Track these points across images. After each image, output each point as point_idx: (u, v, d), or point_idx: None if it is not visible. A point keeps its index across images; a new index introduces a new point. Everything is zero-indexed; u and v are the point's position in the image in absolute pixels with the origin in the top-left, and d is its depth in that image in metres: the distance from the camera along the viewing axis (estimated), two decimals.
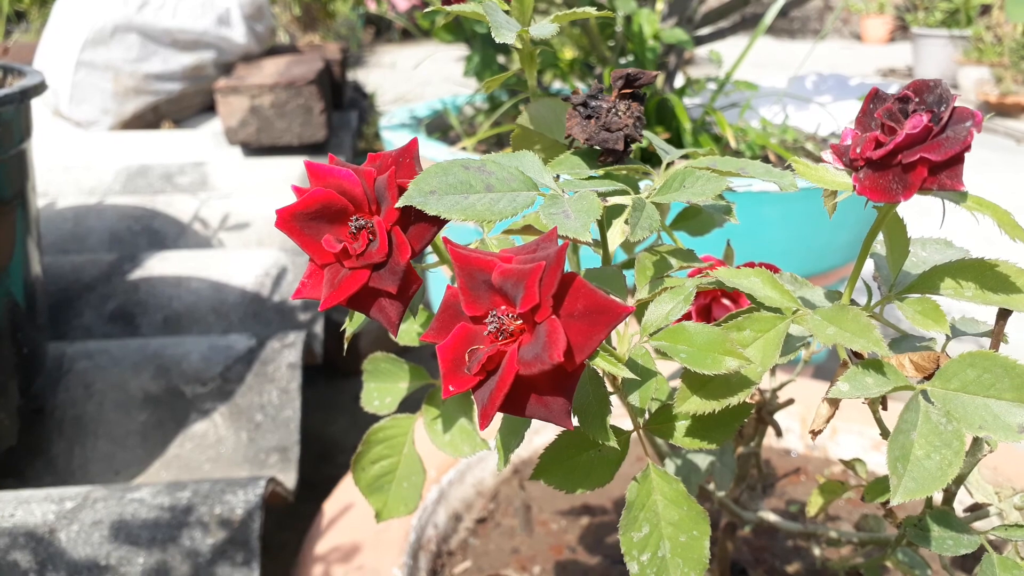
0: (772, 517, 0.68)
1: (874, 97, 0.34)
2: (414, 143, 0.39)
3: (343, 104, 2.40)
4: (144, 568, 0.73)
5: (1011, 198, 2.92)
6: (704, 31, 1.56)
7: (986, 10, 5.74)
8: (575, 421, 0.37)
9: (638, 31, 1.32)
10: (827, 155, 0.35)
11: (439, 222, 0.37)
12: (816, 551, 0.67)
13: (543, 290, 0.32)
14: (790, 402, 0.58)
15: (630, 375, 0.33)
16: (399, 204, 0.36)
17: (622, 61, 1.45)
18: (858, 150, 0.32)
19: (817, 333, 0.34)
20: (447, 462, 0.94)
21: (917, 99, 0.32)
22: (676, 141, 1.30)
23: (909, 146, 0.31)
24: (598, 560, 0.87)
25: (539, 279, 0.32)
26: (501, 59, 1.52)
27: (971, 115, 0.31)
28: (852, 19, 8.40)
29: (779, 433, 0.60)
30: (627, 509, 0.38)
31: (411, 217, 0.37)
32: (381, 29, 7.84)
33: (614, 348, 0.40)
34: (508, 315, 0.33)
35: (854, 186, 0.33)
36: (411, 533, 0.82)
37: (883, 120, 0.32)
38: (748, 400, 0.37)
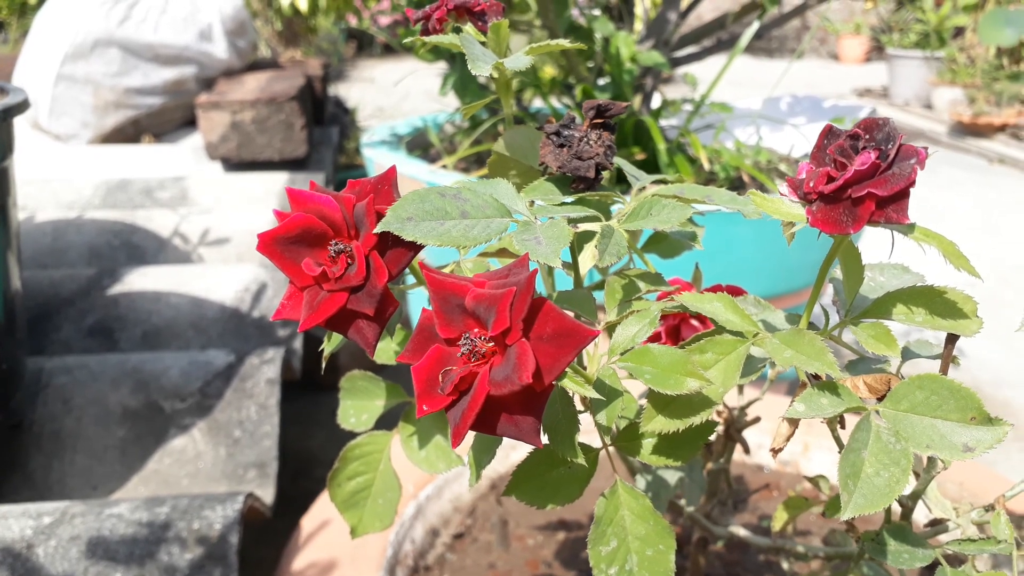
0: (742, 532, 0.69)
1: (828, 134, 0.36)
2: (392, 171, 0.40)
3: (324, 120, 2.41)
4: None
5: (983, 216, 2.98)
6: (681, 53, 1.59)
7: (959, 32, 5.86)
8: (545, 439, 0.39)
9: (615, 53, 1.35)
10: (783, 188, 0.37)
11: (416, 247, 0.39)
12: (785, 565, 0.69)
13: (514, 314, 0.33)
14: (757, 420, 0.60)
15: (596, 395, 0.34)
16: (377, 230, 0.37)
17: (600, 82, 1.47)
18: (811, 184, 0.34)
19: (775, 356, 0.36)
20: (425, 478, 0.95)
21: (867, 136, 0.34)
22: (652, 162, 1.33)
23: (858, 181, 0.33)
24: (573, 574, 0.88)
25: (510, 304, 0.33)
26: (480, 79, 1.54)
27: (915, 153, 0.33)
28: (829, 39, 8.52)
29: (747, 450, 0.62)
30: (595, 524, 0.40)
31: (388, 242, 0.39)
32: (363, 44, 7.87)
33: (584, 368, 0.42)
34: (480, 338, 0.35)
35: (807, 218, 0.35)
36: (388, 548, 0.83)
37: (835, 156, 0.34)
38: (713, 418, 0.39)
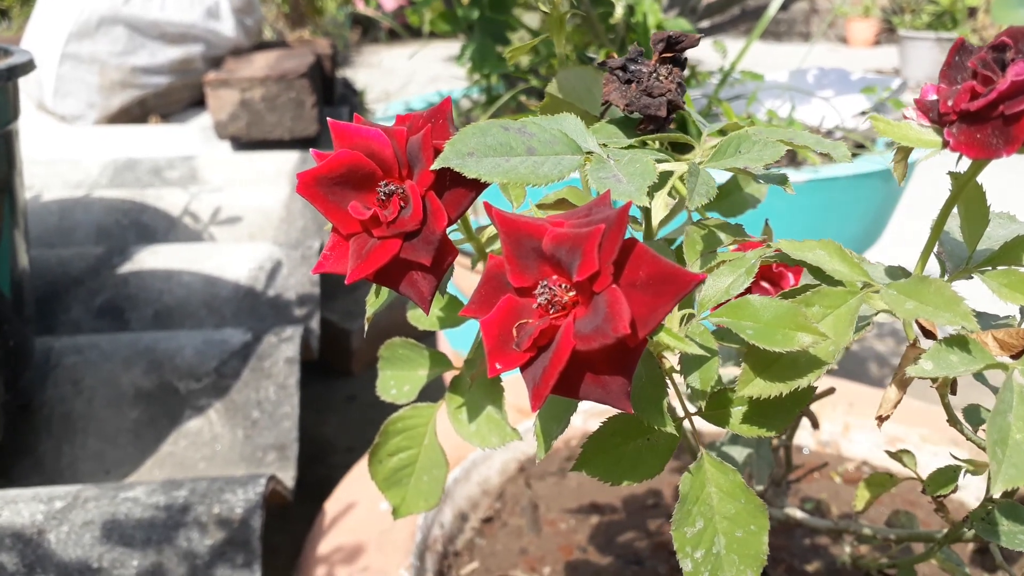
0: (799, 514, 0.65)
1: (960, 48, 0.31)
2: (447, 103, 0.35)
3: (334, 100, 2.36)
4: (138, 570, 0.70)
5: (999, 198, 2.91)
6: (705, 23, 1.53)
7: (973, 12, 5.77)
8: None
9: (641, 21, 1.29)
10: (910, 112, 0.32)
11: (477, 187, 0.34)
12: (847, 548, 0.64)
13: (603, 256, 0.29)
14: (831, 391, 0.55)
15: (697, 351, 0.30)
16: (435, 167, 0.33)
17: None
18: (949, 103, 0.30)
19: (895, 308, 0.31)
20: (452, 459, 0.90)
21: (1015, 47, 0.29)
22: (681, 131, 1.28)
23: (1012, 95, 0.28)
24: (610, 560, 0.84)
25: (598, 244, 0.29)
26: (499, 49, 1.49)
27: None
28: (838, 22, 8.41)
29: (815, 425, 0.58)
30: (680, 503, 0.35)
31: (447, 181, 0.34)
32: (368, 29, 7.79)
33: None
34: (560, 285, 0.30)
35: (946, 142, 0.30)
36: (417, 533, 0.79)
37: (978, 69, 0.29)
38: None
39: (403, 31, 2.40)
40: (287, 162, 1.72)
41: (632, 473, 0.37)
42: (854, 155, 1.28)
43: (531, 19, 1.61)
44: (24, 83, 1.96)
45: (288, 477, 0.91)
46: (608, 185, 0.32)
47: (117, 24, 1.96)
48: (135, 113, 2.02)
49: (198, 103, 2.16)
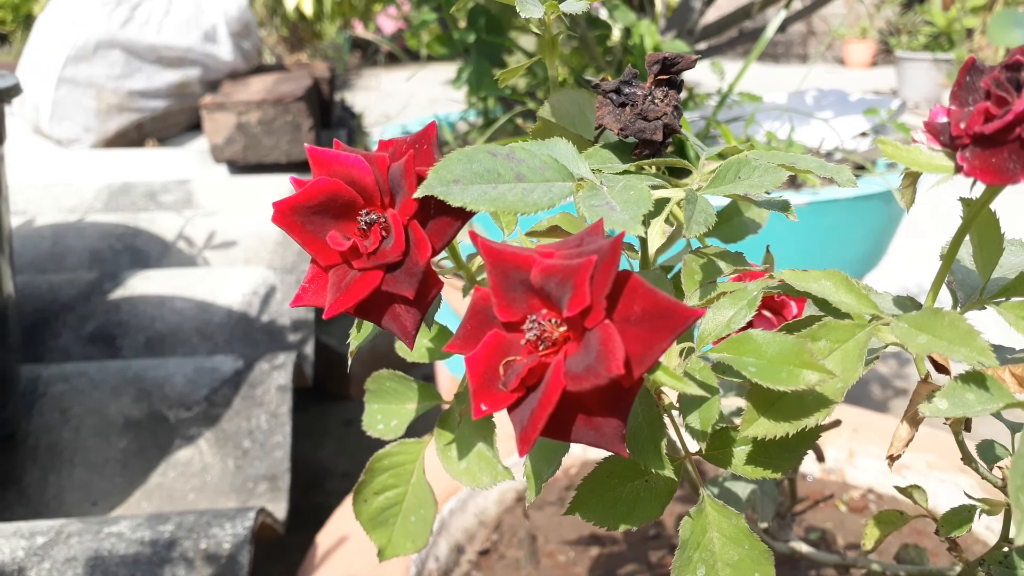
0: (805, 548, 0.62)
1: (971, 68, 0.29)
2: (432, 127, 0.34)
3: (331, 123, 2.36)
4: None
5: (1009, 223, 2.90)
6: (703, 45, 1.53)
7: (970, 33, 5.80)
8: None
9: (638, 43, 1.29)
10: (919, 135, 0.30)
11: (463, 216, 0.32)
12: None
13: (595, 290, 0.27)
14: (837, 423, 0.53)
15: (697, 391, 0.28)
16: (418, 194, 0.31)
17: None
18: (962, 125, 0.28)
19: (907, 342, 0.30)
20: (448, 490, 0.88)
21: None
22: (679, 154, 1.26)
23: None
24: None
25: (590, 276, 0.27)
26: (496, 72, 1.48)
27: None
28: (835, 44, 8.44)
29: (821, 458, 0.55)
30: (680, 549, 0.33)
31: (431, 210, 0.32)
32: (367, 53, 7.83)
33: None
34: (550, 320, 0.28)
35: (959, 167, 0.28)
36: (412, 567, 0.77)
37: (991, 89, 0.27)
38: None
39: (403, 54, 2.40)
40: (283, 186, 1.70)
41: (629, 517, 0.34)
42: (855, 176, 1.26)
43: (527, 42, 1.60)
44: (21, 107, 1.95)
45: (280, 509, 0.89)
46: (601, 213, 0.31)
47: (114, 48, 1.96)
48: (132, 137, 2.02)
49: (195, 127, 2.15)
